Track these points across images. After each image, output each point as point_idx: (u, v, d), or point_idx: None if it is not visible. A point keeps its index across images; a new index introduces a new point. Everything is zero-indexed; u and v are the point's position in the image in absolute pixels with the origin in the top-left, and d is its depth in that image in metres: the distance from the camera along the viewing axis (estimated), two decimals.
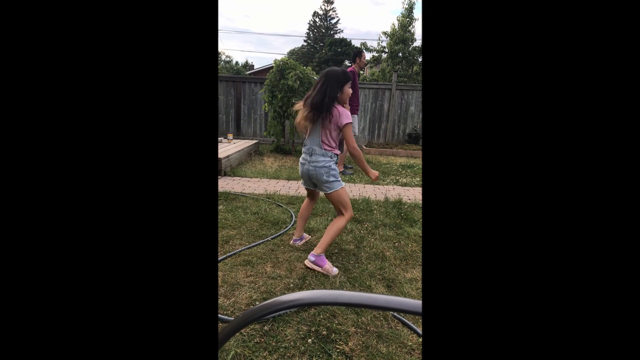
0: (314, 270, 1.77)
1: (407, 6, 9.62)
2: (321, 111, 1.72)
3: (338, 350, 1.23)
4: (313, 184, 1.85)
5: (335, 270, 1.76)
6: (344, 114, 1.75)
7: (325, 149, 1.77)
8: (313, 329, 1.33)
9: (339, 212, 1.81)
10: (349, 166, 4.54)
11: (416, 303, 0.36)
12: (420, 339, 1.31)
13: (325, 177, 1.76)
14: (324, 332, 1.31)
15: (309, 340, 1.27)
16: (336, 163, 1.83)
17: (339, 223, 1.80)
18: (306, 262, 1.78)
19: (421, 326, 1.38)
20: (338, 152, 1.81)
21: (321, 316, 1.40)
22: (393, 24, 9.86)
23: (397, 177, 4.12)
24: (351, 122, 1.78)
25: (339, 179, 1.80)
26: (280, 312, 1.40)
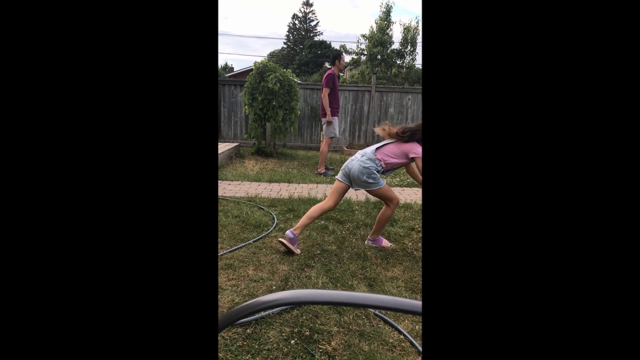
0: (298, 271, 1.77)
1: (384, 9, 9.77)
2: (404, 136, 1.93)
3: (321, 350, 1.24)
4: (348, 178, 1.97)
5: (389, 244, 2.12)
6: (418, 148, 1.90)
7: (376, 157, 1.93)
8: (296, 330, 1.33)
9: (385, 204, 2.03)
10: (330, 167, 4.57)
11: (385, 298, 0.37)
12: (401, 336, 1.33)
13: (364, 177, 1.90)
14: (307, 332, 1.32)
15: (292, 341, 1.27)
16: (380, 172, 1.95)
17: (386, 213, 2.03)
18: (366, 242, 2.13)
19: (402, 323, 1.41)
20: (385, 167, 1.95)
21: (304, 317, 1.41)
22: (371, 27, 10.00)
23: None
24: (420, 156, 1.92)
25: (379, 181, 1.95)
26: (263, 314, 1.39)
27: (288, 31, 32.99)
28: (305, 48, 29.28)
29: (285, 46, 32.63)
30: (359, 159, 1.94)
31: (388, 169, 1.97)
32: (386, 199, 2.00)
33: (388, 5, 9.73)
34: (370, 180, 1.90)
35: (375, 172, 1.91)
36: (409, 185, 3.92)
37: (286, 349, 1.23)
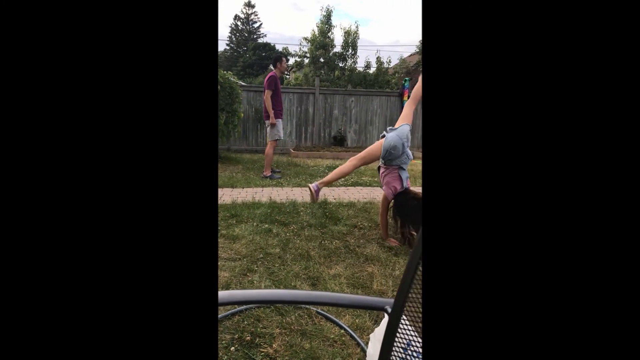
0: (240, 276, 1.75)
1: (325, 13, 9.97)
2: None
3: (262, 353, 1.23)
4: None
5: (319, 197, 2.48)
6: (389, 192, 2.26)
7: (398, 161, 2.25)
8: (237, 336, 1.31)
9: (354, 160, 2.37)
10: (277, 170, 4.55)
11: (351, 297, 0.39)
12: (342, 331, 1.37)
13: (393, 145, 2.20)
14: (248, 337, 1.31)
15: (232, 348, 1.25)
16: (386, 158, 2.26)
17: (345, 169, 2.36)
18: (310, 184, 2.43)
19: (343, 319, 1.45)
20: (386, 165, 2.30)
21: (245, 322, 1.39)
22: (313, 30, 10.14)
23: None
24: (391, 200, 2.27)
25: (387, 149, 2.23)
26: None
27: (230, 32, 32.25)
28: (249, 50, 28.83)
29: (228, 48, 31.84)
30: (405, 145, 2.25)
31: (387, 166, 2.28)
32: (365, 155, 2.33)
33: (328, 9, 9.94)
34: (391, 149, 2.20)
35: (396, 154, 2.21)
36: (353, 184, 4.04)
37: (226, 357, 1.21)
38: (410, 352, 0.71)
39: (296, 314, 1.46)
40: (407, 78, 7.49)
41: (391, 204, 2.27)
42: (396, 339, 0.69)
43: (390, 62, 10.78)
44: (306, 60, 10.61)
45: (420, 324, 0.65)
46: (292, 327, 1.38)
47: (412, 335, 0.69)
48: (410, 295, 0.68)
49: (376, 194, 3.54)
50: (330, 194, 3.48)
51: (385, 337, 0.62)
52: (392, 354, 0.69)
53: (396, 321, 0.60)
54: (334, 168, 4.94)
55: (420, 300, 0.67)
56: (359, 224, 2.61)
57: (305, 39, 10.38)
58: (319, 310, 1.49)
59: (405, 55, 17.81)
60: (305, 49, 10.54)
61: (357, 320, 1.43)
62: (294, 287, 1.69)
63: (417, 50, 13.47)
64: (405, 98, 6.89)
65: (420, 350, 0.67)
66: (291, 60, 10.86)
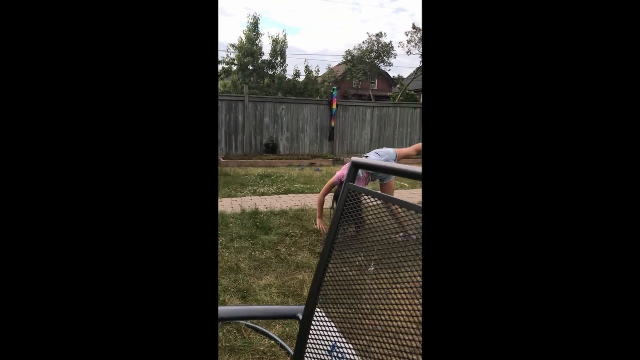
0: None
1: (252, 20, 9.90)
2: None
3: None
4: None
5: None
6: (336, 179, 2.54)
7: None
8: None
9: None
10: None
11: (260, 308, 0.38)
12: (272, 341, 1.37)
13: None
14: None
15: None
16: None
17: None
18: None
19: (273, 329, 1.44)
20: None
21: None
22: (240, 37, 10.00)
23: (255, 188, 4.18)
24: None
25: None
26: None
27: None
28: None
29: None
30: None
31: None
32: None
33: (255, 17, 9.90)
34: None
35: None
36: (285, 192, 4.05)
37: None
38: (335, 354, 0.73)
39: (224, 330, 1.41)
40: (334, 87, 7.76)
41: (334, 189, 2.51)
42: (319, 343, 0.71)
43: (319, 71, 11.09)
44: (234, 67, 10.41)
45: (345, 325, 0.68)
46: (220, 344, 1.33)
47: (337, 338, 0.72)
48: (326, 298, 0.70)
49: (308, 200, 3.60)
50: (261, 203, 3.44)
51: (297, 343, 0.64)
52: (311, 358, 0.70)
53: (307, 327, 0.62)
54: (267, 176, 4.91)
55: (341, 302, 0.69)
56: (291, 232, 2.63)
57: (233, 45, 10.20)
58: (248, 323, 1.46)
59: (333, 64, 18.47)
60: (233, 56, 10.35)
61: (287, 329, 1.44)
62: (223, 302, 1.63)
63: (344, 60, 14.06)
64: (334, 106, 7.12)
65: (346, 351, 0.70)
66: (218, 67, 10.56)
